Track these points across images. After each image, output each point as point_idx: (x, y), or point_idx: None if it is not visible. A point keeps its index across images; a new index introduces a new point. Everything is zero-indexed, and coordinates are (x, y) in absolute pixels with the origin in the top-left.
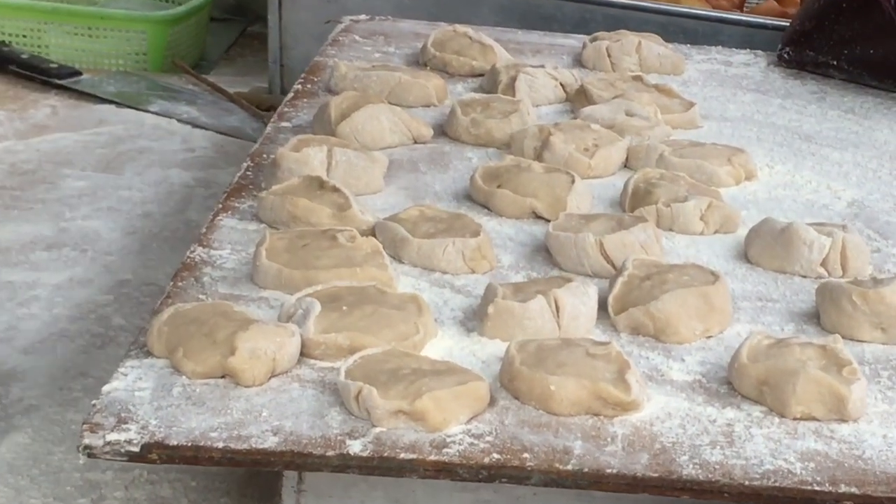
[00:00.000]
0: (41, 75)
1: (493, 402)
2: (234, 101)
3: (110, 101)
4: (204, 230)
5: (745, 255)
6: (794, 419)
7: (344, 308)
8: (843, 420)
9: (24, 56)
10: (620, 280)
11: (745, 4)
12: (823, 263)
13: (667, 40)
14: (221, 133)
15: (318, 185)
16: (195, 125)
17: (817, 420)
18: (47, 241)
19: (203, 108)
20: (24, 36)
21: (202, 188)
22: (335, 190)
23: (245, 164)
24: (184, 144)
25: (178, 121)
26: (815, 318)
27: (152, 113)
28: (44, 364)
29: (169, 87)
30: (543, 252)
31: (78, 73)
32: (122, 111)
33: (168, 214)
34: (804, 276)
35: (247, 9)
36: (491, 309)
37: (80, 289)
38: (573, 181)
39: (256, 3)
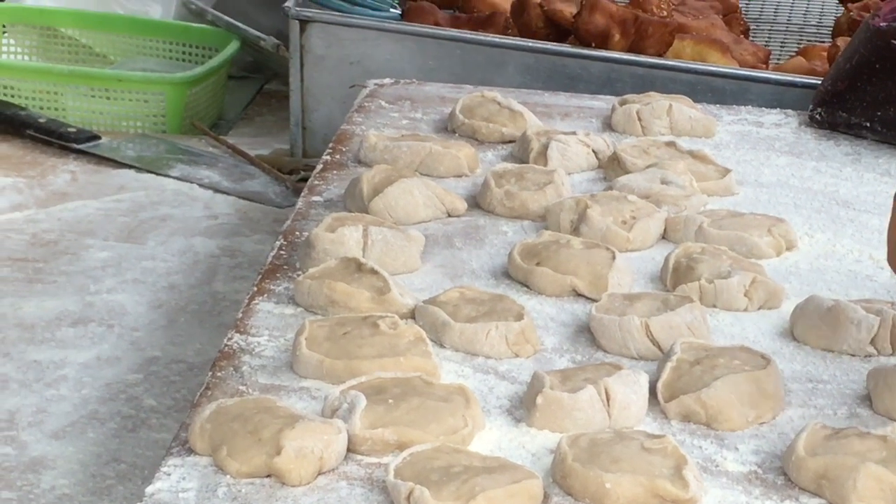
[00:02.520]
0: (60, 140)
1: (546, 498)
2: (256, 165)
3: (130, 166)
4: (240, 315)
5: (791, 332)
6: None
7: (390, 401)
8: None
9: (41, 120)
10: (669, 365)
11: (770, 60)
12: (873, 342)
13: (695, 99)
14: (244, 198)
15: (356, 268)
16: (217, 190)
17: None
18: (73, 316)
19: (224, 172)
20: (41, 99)
21: (227, 257)
22: (373, 272)
23: (278, 243)
24: (206, 211)
25: (200, 186)
26: (867, 399)
27: (173, 178)
28: (74, 450)
29: (189, 150)
30: (586, 333)
31: (97, 136)
32: (143, 176)
33: (194, 286)
34: (853, 355)
35: (263, 67)
36: (539, 400)
37: (109, 367)
38: (613, 257)
39: (272, 61)
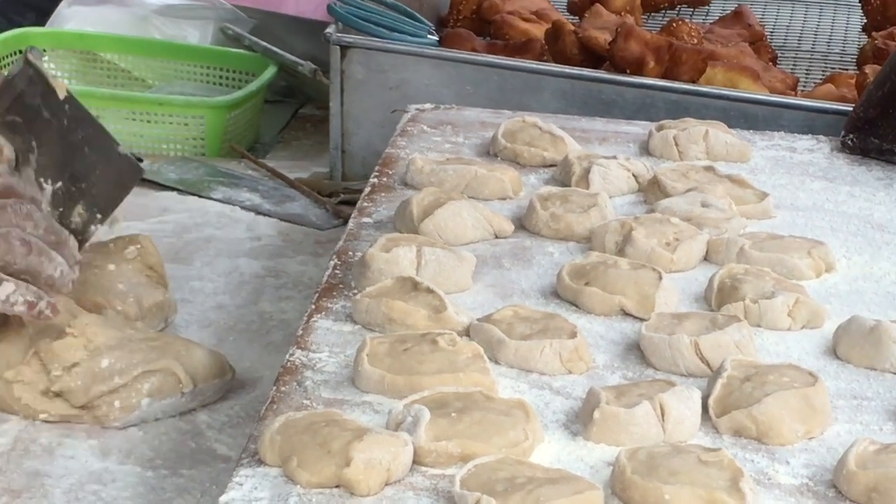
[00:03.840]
0: None
1: None
2: (296, 188)
3: (172, 188)
4: (300, 332)
5: (834, 351)
6: None
7: (452, 415)
8: None
9: None
10: (720, 382)
11: (798, 87)
12: None
13: (728, 125)
14: (285, 220)
15: (412, 287)
16: (258, 212)
17: None
18: None
19: (265, 195)
20: None
21: (272, 278)
22: (429, 291)
23: (332, 263)
24: (249, 232)
25: (242, 208)
26: None
27: (215, 200)
28: (133, 464)
29: (229, 172)
30: (636, 350)
31: (140, 159)
32: (185, 199)
33: (241, 306)
34: (895, 374)
35: (297, 91)
36: (597, 414)
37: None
38: (660, 278)
39: (307, 86)
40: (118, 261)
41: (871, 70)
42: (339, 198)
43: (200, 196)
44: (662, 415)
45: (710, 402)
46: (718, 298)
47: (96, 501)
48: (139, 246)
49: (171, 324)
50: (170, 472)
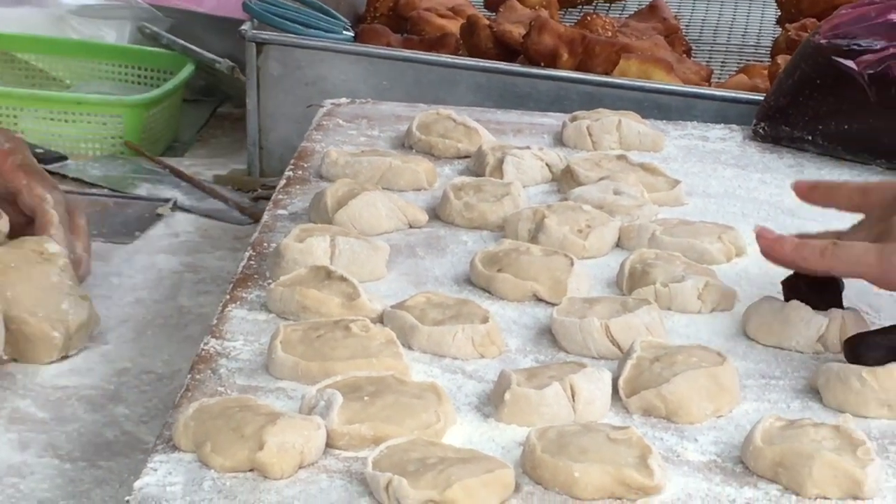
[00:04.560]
0: None
1: (518, 488)
2: (201, 187)
3: (96, 186)
4: (215, 321)
5: (744, 332)
6: (811, 498)
7: (365, 398)
8: (859, 498)
9: None
10: (630, 363)
11: (712, 79)
12: (821, 340)
13: (643, 116)
14: (205, 216)
15: (326, 275)
16: (179, 208)
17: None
18: None
19: (187, 191)
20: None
21: (191, 273)
22: (342, 279)
23: (247, 254)
24: (168, 229)
25: (161, 201)
26: (818, 394)
27: (138, 197)
28: (51, 456)
29: (153, 170)
30: (548, 335)
31: (63, 157)
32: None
33: (159, 301)
34: (802, 353)
35: (215, 90)
36: (507, 396)
37: (81, 378)
38: (572, 264)
39: (225, 84)
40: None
41: (783, 60)
42: (256, 192)
43: (124, 193)
44: (573, 395)
45: (620, 382)
46: (629, 283)
47: (15, 494)
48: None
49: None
50: (88, 464)
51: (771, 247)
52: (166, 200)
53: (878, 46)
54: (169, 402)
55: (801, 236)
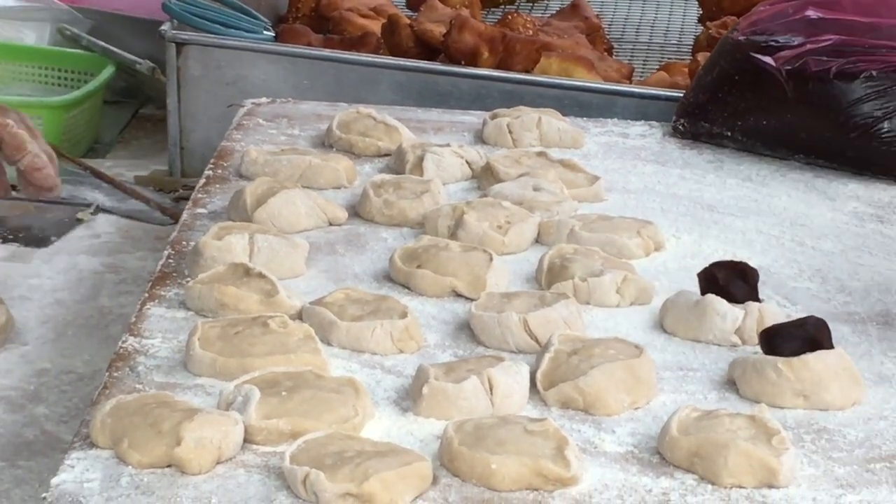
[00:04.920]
0: None
1: (435, 480)
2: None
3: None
4: (133, 319)
5: (662, 325)
6: (727, 487)
7: (283, 393)
8: (774, 486)
9: None
10: (547, 356)
11: (634, 76)
12: (738, 332)
13: (563, 113)
14: (126, 217)
15: (244, 272)
16: (100, 209)
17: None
18: None
19: (109, 192)
20: None
21: (112, 274)
22: (261, 276)
23: (166, 252)
24: (88, 230)
25: (82, 205)
26: (734, 385)
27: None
28: None
29: (74, 171)
30: (467, 330)
31: None
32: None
33: (80, 302)
34: (719, 345)
35: (137, 91)
36: (425, 390)
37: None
38: (491, 259)
39: (147, 86)
40: None
41: (703, 57)
42: (177, 193)
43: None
44: (491, 389)
45: (538, 375)
46: (548, 278)
47: None
48: None
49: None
50: (7, 464)
51: None
52: (88, 204)
53: (796, 42)
54: (90, 401)
55: None
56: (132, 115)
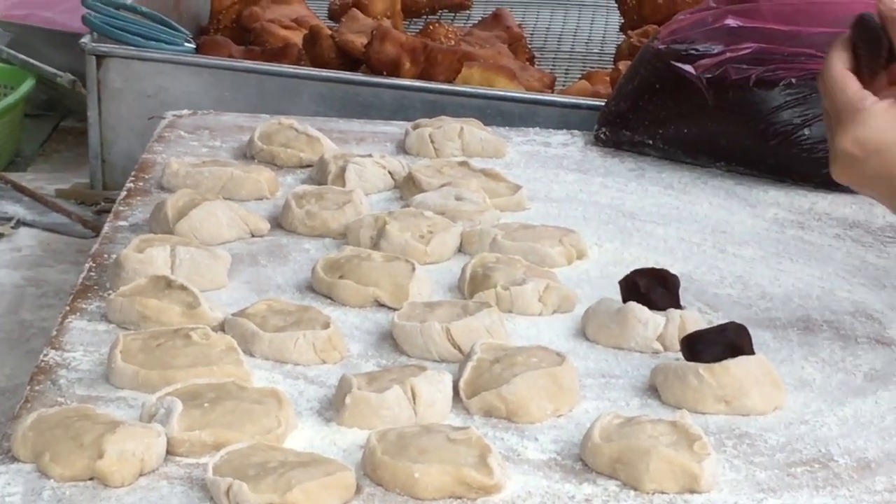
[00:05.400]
0: None
1: (359, 490)
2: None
3: None
4: (55, 333)
5: (584, 333)
6: (649, 493)
7: (205, 405)
8: (696, 492)
9: None
10: (470, 365)
11: (556, 85)
12: (660, 339)
13: (485, 123)
14: (47, 230)
15: (166, 285)
16: (21, 223)
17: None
18: None
19: (29, 206)
20: None
21: (33, 287)
22: (183, 288)
23: (87, 265)
24: (9, 244)
25: (3, 219)
26: (656, 391)
27: None
28: None
29: None
30: (390, 340)
31: None
32: None
33: (1, 315)
34: (641, 352)
35: (58, 104)
36: (348, 400)
37: None
38: (413, 269)
39: (68, 98)
40: None
41: (624, 66)
42: (99, 206)
43: None
44: (413, 398)
45: (461, 384)
46: (471, 287)
47: None
48: None
49: None
50: None
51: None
52: (9, 218)
53: (716, 51)
54: (11, 415)
55: None
56: (53, 128)
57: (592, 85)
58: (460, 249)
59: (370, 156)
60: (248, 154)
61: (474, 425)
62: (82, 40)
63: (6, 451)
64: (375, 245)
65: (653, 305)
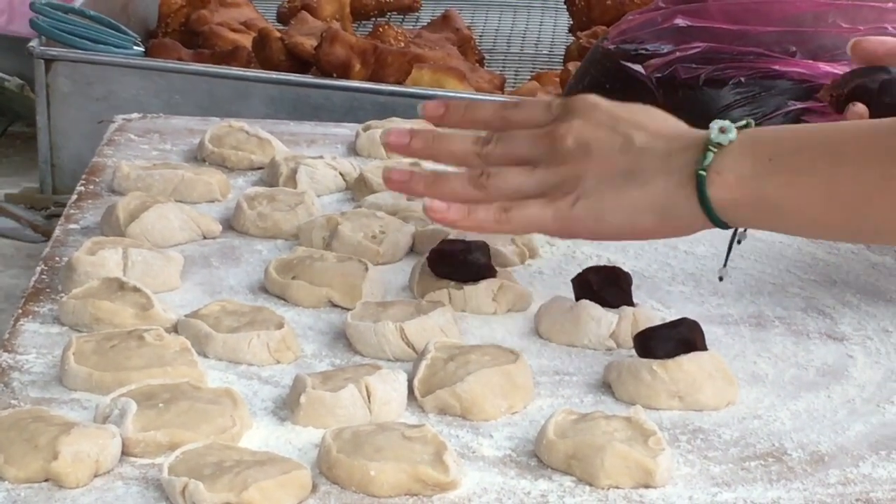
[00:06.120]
0: None
1: (315, 488)
2: None
3: None
4: (7, 336)
5: (537, 331)
6: (604, 488)
7: (160, 405)
8: (651, 486)
9: None
10: (424, 363)
11: (506, 87)
12: (613, 336)
13: None
14: None
15: (118, 287)
16: None
17: (626, 488)
18: None
19: None
20: None
21: None
22: (135, 290)
23: (39, 268)
24: None
25: None
26: (610, 388)
27: None
28: None
29: None
30: (344, 339)
31: None
32: None
33: None
34: (595, 350)
35: (6, 108)
36: (303, 399)
37: None
38: (366, 269)
39: (16, 103)
40: None
41: (573, 67)
42: (49, 210)
43: None
44: (368, 397)
45: (415, 382)
46: (422, 286)
47: None
48: None
49: None
50: None
51: (431, 208)
52: None
53: (665, 50)
54: None
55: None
56: (1, 132)
57: (542, 86)
58: (412, 249)
59: (321, 157)
60: (198, 157)
61: (429, 423)
62: (30, 44)
63: None
64: (328, 246)
65: (605, 303)
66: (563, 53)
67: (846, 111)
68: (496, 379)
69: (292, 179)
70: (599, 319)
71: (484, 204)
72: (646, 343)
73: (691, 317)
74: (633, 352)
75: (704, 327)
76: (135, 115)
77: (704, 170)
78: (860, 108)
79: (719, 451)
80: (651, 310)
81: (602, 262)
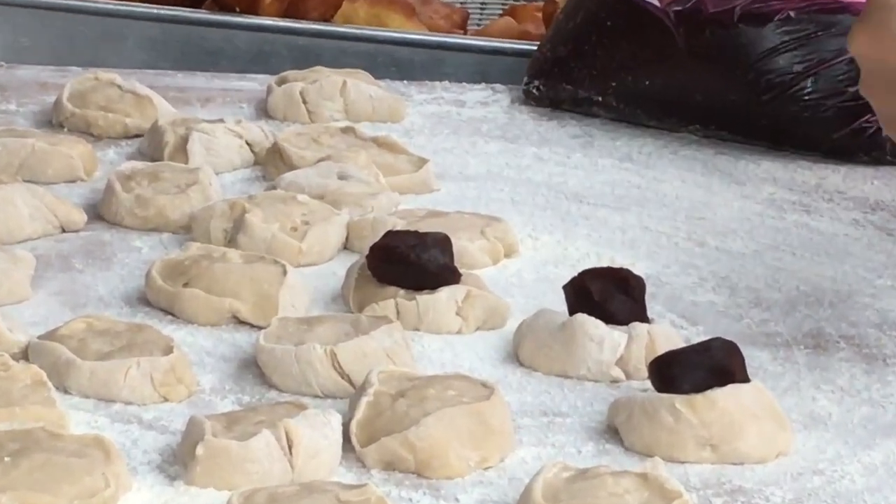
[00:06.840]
0: None
1: None
2: None
3: None
4: None
5: (517, 356)
6: None
7: (6, 459)
8: None
9: None
10: (365, 400)
11: (469, 24)
12: (620, 363)
13: (375, 75)
14: None
15: None
16: None
17: None
18: None
19: None
20: None
21: None
22: None
23: None
24: None
25: None
26: (618, 433)
27: None
28: None
29: None
30: (254, 368)
31: None
32: None
33: None
34: (596, 381)
35: None
36: (200, 451)
37: None
38: (284, 272)
39: None
40: None
41: None
42: None
43: None
44: (290, 447)
45: (353, 427)
46: (360, 296)
47: None
48: None
49: None
50: None
51: None
52: None
53: None
54: None
55: None
56: None
57: (519, 23)
58: (346, 246)
59: (221, 121)
60: (54, 121)
61: (373, 482)
62: None
63: None
64: (231, 241)
65: (610, 318)
66: None
67: None
68: (463, 422)
69: (182, 151)
70: (602, 340)
71: None
72: (666, 372)
73: (726, 336)
74: (649, 384)
75: (745, 350)
76: None
77: None
78: None
79: None
80: (672, 327)
81: (604, 263)
